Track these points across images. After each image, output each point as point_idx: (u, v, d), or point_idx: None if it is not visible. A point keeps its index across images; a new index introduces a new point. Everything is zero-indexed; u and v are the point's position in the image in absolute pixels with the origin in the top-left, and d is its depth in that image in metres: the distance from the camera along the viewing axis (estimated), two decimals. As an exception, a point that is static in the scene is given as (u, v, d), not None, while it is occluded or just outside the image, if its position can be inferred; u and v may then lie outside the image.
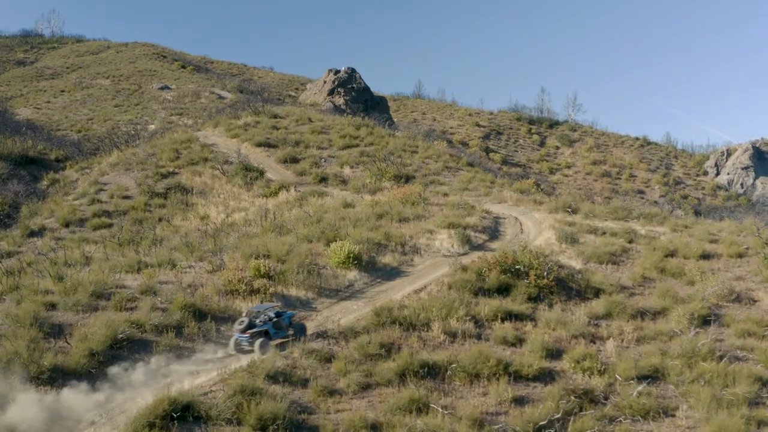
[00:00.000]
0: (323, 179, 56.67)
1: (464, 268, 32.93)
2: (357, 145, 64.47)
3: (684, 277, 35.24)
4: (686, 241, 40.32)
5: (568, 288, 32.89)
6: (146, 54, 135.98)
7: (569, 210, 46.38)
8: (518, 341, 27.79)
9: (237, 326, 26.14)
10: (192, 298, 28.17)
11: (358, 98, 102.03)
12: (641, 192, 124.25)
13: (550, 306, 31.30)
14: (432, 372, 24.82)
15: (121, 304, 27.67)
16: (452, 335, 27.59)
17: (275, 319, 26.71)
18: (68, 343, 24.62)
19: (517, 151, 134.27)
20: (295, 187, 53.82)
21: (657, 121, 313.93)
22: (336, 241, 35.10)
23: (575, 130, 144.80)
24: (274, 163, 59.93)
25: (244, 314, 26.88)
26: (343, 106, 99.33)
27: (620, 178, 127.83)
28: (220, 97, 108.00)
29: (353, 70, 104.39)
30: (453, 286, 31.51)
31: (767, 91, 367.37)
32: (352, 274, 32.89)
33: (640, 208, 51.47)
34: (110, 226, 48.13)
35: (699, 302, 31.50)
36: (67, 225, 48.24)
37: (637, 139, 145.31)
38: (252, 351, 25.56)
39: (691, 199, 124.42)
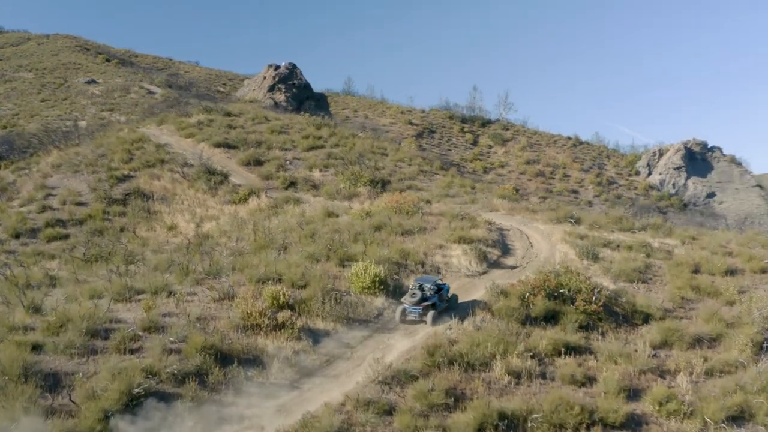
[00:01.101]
0: (292, 183, 52.31)
1: (504, 293, 29.32)
2: (322, 147, 60.23)
3: (721, 297, 32.87)
4: (705, 256, 38.06)
5: (613, 313, 29.79)
6: (69, 46, 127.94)
7: (572, 220, 43.39)
8: (588, 380, 24.64)
9: (410, 298, 27.85)
10: (209, 336, 23.70)
11: (300, 95, 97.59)
12: (575, 192, 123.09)
13: (603, 335, 28.37)
14: (512, 424, 21.14)
15: (124, 344, 23.17)
16: (516, 375, 24.17)
17: (440, 292, 28.46)
18: (73, 402, 19.95)
19: (450, 150, 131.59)
20: (266, 192, 49.27)
21: (571, 119, 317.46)
22: (351, 261, 31.19)
23: (508, 129, 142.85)
24: (236, 165, 55.15)
25: (412, 285, 28.66)
26: (284, 103, 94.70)
27: (554, 178, 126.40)
28: (150, 92, 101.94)
29: (294, 66, 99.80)
30: (498, 314, 27.95)
31: (671, 92, 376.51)
32: (379, 301, 28.94)
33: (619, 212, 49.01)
34: (66, 237, 42.79)
35: (751, 326, 29.26)
36: (17, 236, 42.57)
37: (569, 138, 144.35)
38: (419, 322, 27.61)
39: (625, 199, 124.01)
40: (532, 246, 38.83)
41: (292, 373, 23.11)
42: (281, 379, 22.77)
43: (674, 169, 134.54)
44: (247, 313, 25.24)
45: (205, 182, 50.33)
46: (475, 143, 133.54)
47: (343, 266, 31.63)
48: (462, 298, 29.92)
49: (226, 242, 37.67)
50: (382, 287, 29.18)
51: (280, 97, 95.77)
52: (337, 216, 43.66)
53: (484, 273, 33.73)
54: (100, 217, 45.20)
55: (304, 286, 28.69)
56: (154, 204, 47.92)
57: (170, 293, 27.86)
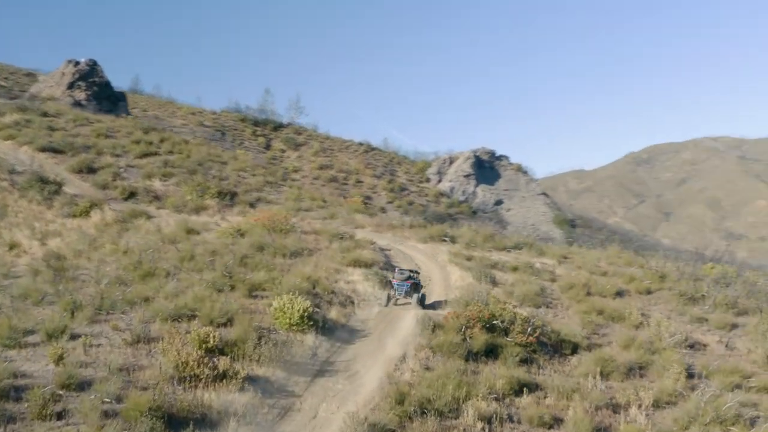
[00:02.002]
0: (132, 194, 47.70)
1: (438, 326, 27.50)
2: (157, 153, 55.48)
3: (627, 321, 32.97)
4: (589, 277, 38.36)
5: (541, 343, 28.77)
6: None
7: (447, 239, 42.34)
8: (555, 421, 23.29)
9: (398, 275, 31.52)
10: (148, 394, 19.94)
11: (101, 93, 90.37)
12: (369, 198, 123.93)
13: (540, 368, 27.12)
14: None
15: (45, 409, 18.84)
16: (487, 420, 22.25)
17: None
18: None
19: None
20: (109, 205, 44.36)
21: (345, 122, 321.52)
22: (258, 290, 28.21)
23: (300, 134, 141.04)
24: (66, 172, 49.47)
25: (396, 272, 32.27)
26: (84, 102, 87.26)
27: (348, 184, 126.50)
28: None
29: (95, 63, 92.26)
30: (438, 350, 26.04)
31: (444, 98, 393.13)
32: (310, 339, 26.07)
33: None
34: None
35: (670, 352, 29.48)
36: None
37: (361, 144, 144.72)
38: (405, 303, 30.44)
39: (417, 206, 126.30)
40: (419, 269, 37.22)
41: (249, 433, 19.97)
42: (240, 443, 19.62)
43: (464, 176, 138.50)
44: (182, 362, 21.61)
45: (39, 192, 44.57)
46: (268, 147, 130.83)
47: (253, 297, 28.44)
48: (391, 334, 27.80)
49: (96, 266, 32.92)
50: (311, 323, 26.32)
51: (81, 95, 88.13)
52: (198, 233, 40.07)
53: (394, 301, 31.68)
54: None
55: (225, 324, 25.29)
56: (-19, 216, 41.67)
57: (72, 336, 23.51)
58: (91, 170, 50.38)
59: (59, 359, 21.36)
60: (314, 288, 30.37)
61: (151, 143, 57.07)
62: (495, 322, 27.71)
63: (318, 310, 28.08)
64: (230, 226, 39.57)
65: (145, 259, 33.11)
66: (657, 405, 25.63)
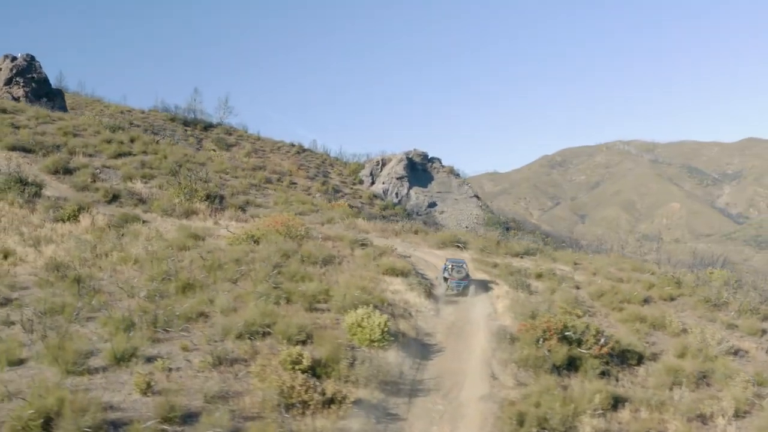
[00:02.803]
0: (115, 197, 44.77)
1: (514, 338, 26.31)
2: (131, 153, 52.49)
3: (668, 329, 32.53)
4: (614, 285, 37.84)
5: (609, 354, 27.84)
6: None
7: (460, 245, 41.16)
8: (664, 438, 22.27)
9: (455, 274, 33.03)
10: (267, 426, 18.11)
11: (40, 90, 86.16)
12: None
13: (616, 380, 26.24)
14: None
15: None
16: (605, 440, 21.18)
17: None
18: None
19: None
20: (96, 209, 41.57)
21: (251, 118, 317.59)
22: (317, 303, 26.52)
23: (231, 134, 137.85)
24: (41, 173, 46.07)
25: (448, 264, 33.82)
26: (22, 98, 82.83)
27: (282, 185, 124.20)
28: None
29: (33, 58, 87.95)
30: (522, 365, 24.83)
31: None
32: (392, 356, 24.45)
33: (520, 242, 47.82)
34: None
35: (723, 360, 29.53)
36: None
37: (293, 145, 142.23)
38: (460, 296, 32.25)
39: (353, 209, 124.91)
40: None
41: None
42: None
43: (397, 178, 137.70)
44: (288, 386, 19.75)
45: (19, 194, 41.37)
46: (199, 147, 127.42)
47: (313, 311, 26.64)
48: (463, 347, 26.46)
49: (110, 275, 30.51)
50: (391, 338, 24.72)
51: (19, 91, 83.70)
52: (203, 239, 37.89)
53: (441, 311, 30.37)
54: None
55: (304, 342, 23.46)
56: (-37, 221, 38.35)
57: (147, 359, 21.33)
58: (67, 171, 47.12)
59: (146, 387, 19.21)
60: (369, 296, 28.58)
61: (122, 143, 53.97)
62: (567, 333, 26.64)
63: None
64: (244, 231, 37.34)
65: (170, 268, 30.79)
66: (737, 415, 25.05)
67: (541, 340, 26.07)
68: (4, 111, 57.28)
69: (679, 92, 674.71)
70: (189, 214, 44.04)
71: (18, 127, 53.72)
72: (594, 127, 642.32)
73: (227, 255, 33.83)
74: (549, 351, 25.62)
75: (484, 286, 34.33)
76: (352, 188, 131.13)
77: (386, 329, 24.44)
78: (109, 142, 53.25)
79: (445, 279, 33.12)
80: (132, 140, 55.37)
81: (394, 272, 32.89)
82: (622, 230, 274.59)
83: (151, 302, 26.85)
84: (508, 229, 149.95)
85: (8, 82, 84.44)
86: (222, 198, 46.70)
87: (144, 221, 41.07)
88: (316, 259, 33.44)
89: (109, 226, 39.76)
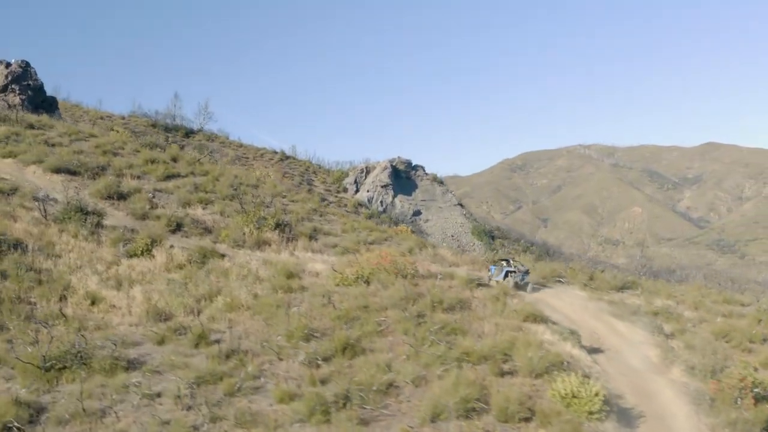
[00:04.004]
0: (179, 226, 41.39)
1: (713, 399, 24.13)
2: (181, 175, 48.91)
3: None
4: (726, 322, 35.75)
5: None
6: None
7: (562, 280, 38.71)
8: None
9: (521, 267, 36.60)
10: None
11: (36, 98, 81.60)
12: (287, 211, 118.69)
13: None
14: None
15: None
16: None
17: None
18: None
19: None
20: (168, 241, 38.27)
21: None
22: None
23: (213, 140, 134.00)
24: (94, 199, 42.41)
25: (504, 263, 37.44)
26: (19, 107, 78.16)
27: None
28: None
29: (28, 64, 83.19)
30: (732, 430, 22.63)
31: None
32: (611, 428, 21.85)
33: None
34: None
35: None
36: None
37: (276, 152, 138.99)
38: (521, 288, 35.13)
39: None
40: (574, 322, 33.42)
41: None
42: None
43: (381, 186, 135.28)
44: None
45: (80, 225, 37.82)
46: (214, 159, 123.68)
47: (503, 375, 23.97)
48: (660, 410, 24.07)
49: (230, 327, 27.59)
50: (607, 407, 22.18)
51: (15, 99, 78.94)
52: (299, 277, 34.95)
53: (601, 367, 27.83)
54: (-30, 281, 31.24)
55: (527, 419, 20.78)
56: (34, 257, 34.63)
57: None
58: (121, 196, 43.48)
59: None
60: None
61: (166, 162, 50.36)
62: (756, 389, 24.50)
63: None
64: (354, 271, 34.35)
65: (305, 322, 27.88)
66: None
67: (739, 399, 23.86)
68: (32, 126, 53.04)
69: (638, 96, 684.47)
70: (261, 244, 40.99)
71: (53, 145, 49.75)
72: (553, 131, 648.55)
73: (350, 301, 30.98)
74: (750, 412, 23.46)
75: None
76: (336, 196, 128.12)
77: (604, 398, 21.90)
78: (153, 162, 49.54)
79: (507, 273, 35.98)
80: (174, 159, 51.68)
81: (535, 319, 30.29)
82: (585, 234, 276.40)
83: (312, 367, 23.94)
84: (493, 237, 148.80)
85: (3, 89, 79.72)
86: (286, 226, 43.49)
87: (222, 255, 37.79)
88: (444, 304, 30.67)
89: (189, 262, 36.48)
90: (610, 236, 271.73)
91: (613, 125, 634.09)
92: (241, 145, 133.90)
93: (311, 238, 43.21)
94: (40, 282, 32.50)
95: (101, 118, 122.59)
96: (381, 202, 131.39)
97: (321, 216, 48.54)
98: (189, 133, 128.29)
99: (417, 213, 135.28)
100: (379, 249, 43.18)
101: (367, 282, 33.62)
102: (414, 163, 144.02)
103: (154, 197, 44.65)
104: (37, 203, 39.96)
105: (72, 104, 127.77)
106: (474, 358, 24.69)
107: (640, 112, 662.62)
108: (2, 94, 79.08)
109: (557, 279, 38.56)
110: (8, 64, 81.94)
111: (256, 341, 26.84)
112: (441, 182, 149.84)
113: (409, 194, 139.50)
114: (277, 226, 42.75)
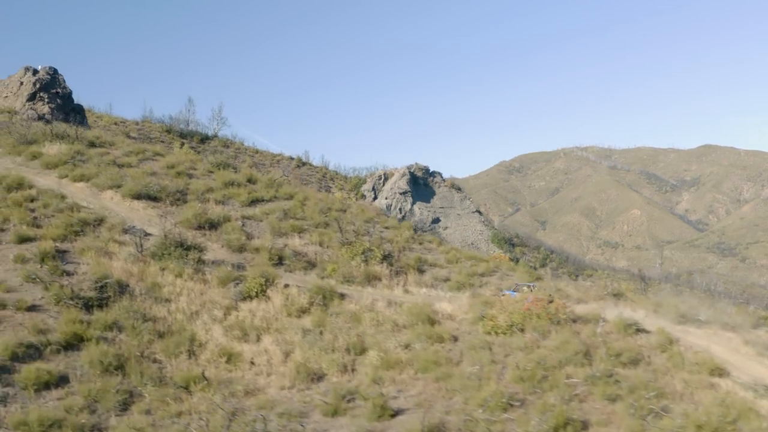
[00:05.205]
0: (280, 259, 37.73)
1: None
2: (264, 199, 45.07)
3: None
4: None
5: None
6: None
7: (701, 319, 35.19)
8: None
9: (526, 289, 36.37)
10: None
11: (65, 106, 77.62)
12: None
13: None
14: None
15: None
16: None
17: None
18: None
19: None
20: (282, 279, 34.61)
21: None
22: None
23: (228, 146, 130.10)
24: (183, 228, 38.57)
25: (525, 287, 36.83)
26: (48, 116, 74.10)
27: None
28: None
29: (56, 71, 79.07)
30: None
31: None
32: None
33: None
34: (63, 383, 24.76)
35: None
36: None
37: (292, 158, 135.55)
38: None
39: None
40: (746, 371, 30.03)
41: None
42: None
43: (400, 193, 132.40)
44: None
45: (182, 261, 34.05)
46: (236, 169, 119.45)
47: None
48: None
49: (413, 390, 24.14)
50: None
51: (44, 108, 74.98)
52: (440, 323, 31.44)
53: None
54: (89, 336, 27.29)
55: None
56: (143, 302, 30.85)
57: None
58: (212, 225, 39.69)
59: None
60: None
61: (241, 184, 46.49)
62: None
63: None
64: (506, 319, 30.82)
65: (482, 379, 24.39)
66: None
67: None
68: (93, 144, 48.96)
69: (634, 98, 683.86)
70: (370, 279, 37.52)
71: (121, 165, 45.77)
72: (549, 133, 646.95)
73: (516, 355, 27.58)
74: None
75: None
76: (357, 205, 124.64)
77: None
78: (233, 185, 45.68)
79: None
80: (250, 180, 47.77)
81: (720, 373, 27.05)
82: (584, 237, 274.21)
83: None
84: (513, 245, 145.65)
85: (32, 97, 75.68)
86: (387, 257, 39.93)
87: (342, 294, 34.16)
88: (623, 357, 27.35)
89: (311, 305, 32.81)
90: (610, 239, 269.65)
91: (609, 127, 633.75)
92: (257, 151, 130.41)
93: (419, 270, 39.63)
94: (160, 335, 28.79)
95: (115, 123, 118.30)
96: (400, 209, 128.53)
97: (420, 244, 44.81)
98: (204, 138, 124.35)
99: (436, 220, 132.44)
100: (489, 281, 39.89)
101: (521, 330, 30.15)
102: (431, 169, 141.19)
103: (243, 225, 40.88)
104: (128, 236, 36.13)
105: (86, 109, 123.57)
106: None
107: (636, 113, 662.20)
108: (30, 103, 75.05)
109: (696, 319, 35.08)
110: (35, 71, 77.81)
111: (444, 411, 23.29)
112: (459, 189, 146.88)
113: (428, 201, 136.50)
114: (384, 258, 39.14)
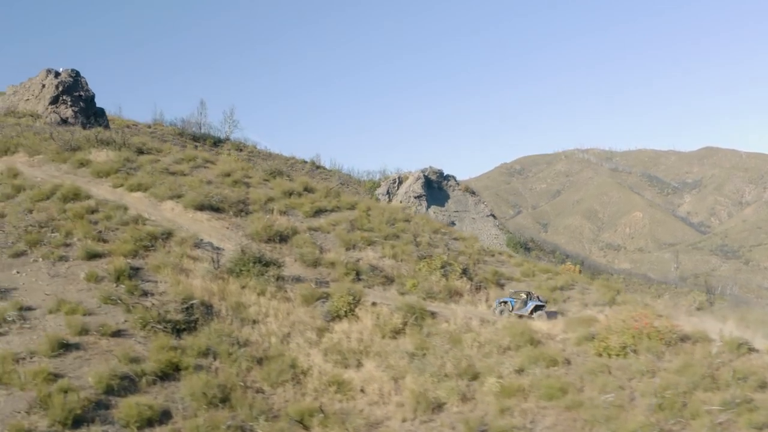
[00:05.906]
0: (358, 274, 35.77)
1: None
2: (327, 209, 43.04)
3: None
4: None
5: None
6: None
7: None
8: None
9: (535, 301, 34.62)
10: None
11: (88, 109, 75.70)
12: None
13: None
14: None
15: None
16: None
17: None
18: None
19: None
20: (368, 297, 32.69)
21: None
22: None
23: (242, 150, 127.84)
24: (252, 241, 36.57)
25: (523, 294, 35.10)
26: (71, 119, 72.09)
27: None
28: None
29: (78, 74, 77.23)
30: None
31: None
32: None
33: None
34: (161, 421, 22.61)
35: None
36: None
37: (305, 162, 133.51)
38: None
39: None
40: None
41: None
42: None
43: (415, 197, 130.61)
44: None
45: (262, 278, 32.03)
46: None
47: None
48: None
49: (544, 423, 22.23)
50: None
51: (67, 111, 73.13)
52: (540, 343, 29.52)
53: None
54: (184, 364, 25.22)
55: None
56: (231, 324, 28.82)
57: None
58: (282, 238, 37.69)
59: None
60: None
61: (300, 194, 44.51)
62: None
63: None
64: (604, 337, 28.99)
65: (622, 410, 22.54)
66: None
67: None
68: (141, 152, 46.80)
69: (635, 100, 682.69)
70: (452, 294, 35.62)
71: (173, 173, 43.68)
72: (550, 135, 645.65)
73: (641, 380, 25.77)
74: None
75: None
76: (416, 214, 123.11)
77: None
78: (293, 195, 43.67)
79: (537, 307, 34.44)
80: (307, 189, 45.76)
81: None
82: (586, 239, 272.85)
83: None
84: (528, 249, 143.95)
85: (54, 100, 73.67)
86: (464, 272, 38.05)
87: (432, 313, 32.21)
88: (751, 381, 25.53)
89: (405, 325, 30.84)
90: (612, 241, 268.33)
91: (610, 129, 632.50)
92: (270, 155, 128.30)
93: (498, 284, 37.74)
94: (258, 361, 26.75)
95: (128, 126, 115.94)
96: (415, 213, 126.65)
97: (492, 256, 42.89)
98: (217, 141, 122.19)
99: (450, 224, 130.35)
100: (571, 295, 38.06)
101: (635, 351, 28.27)
102: (445, 172, 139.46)
103: (312, 238, 38.88)
104: (200, 250, 34.10)
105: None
106: None
107: (637, 115, 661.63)
108: (53, 106, 73.00)
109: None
110: (57, 74, 75.79)
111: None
112: (473, 192, 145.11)
113: (442, 205, 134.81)
114: (464, 273, 37.24)
